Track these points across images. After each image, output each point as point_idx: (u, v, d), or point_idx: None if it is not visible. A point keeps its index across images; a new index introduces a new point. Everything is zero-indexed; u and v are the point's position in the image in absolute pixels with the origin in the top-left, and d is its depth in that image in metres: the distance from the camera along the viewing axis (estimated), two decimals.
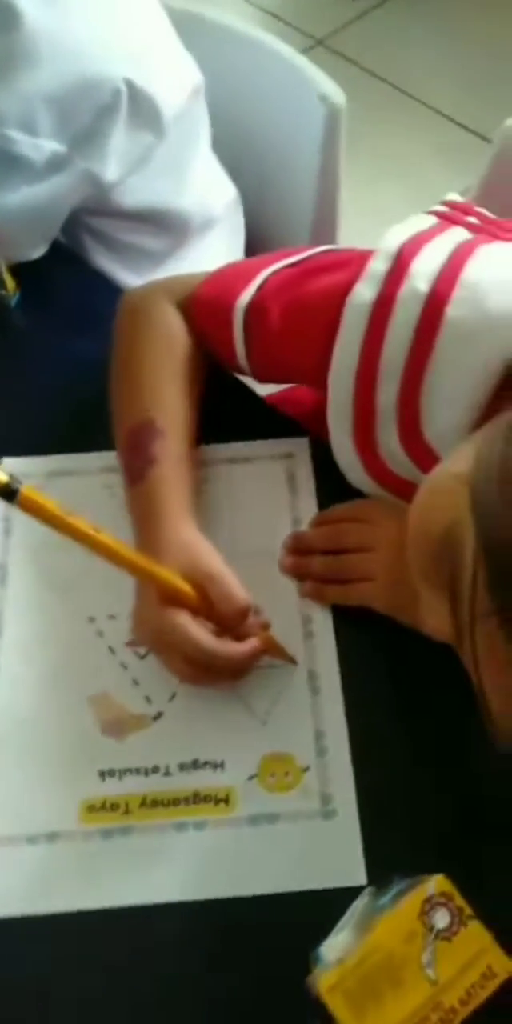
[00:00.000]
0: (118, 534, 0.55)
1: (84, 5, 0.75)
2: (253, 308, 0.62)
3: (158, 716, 0.58)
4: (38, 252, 0.79)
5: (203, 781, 0.55)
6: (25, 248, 0.78)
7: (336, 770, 0.55)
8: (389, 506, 0.61)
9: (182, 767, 0.56)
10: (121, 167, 0.78)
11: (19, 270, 0.78)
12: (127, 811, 0.54)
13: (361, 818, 0.53)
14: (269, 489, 0.68)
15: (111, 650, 0.60)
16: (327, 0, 2.22)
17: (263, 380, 0.68)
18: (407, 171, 1.83)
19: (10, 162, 0.73)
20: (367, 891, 0.46)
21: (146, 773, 0.56)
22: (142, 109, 0.76)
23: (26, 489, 0.49)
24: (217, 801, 0.55)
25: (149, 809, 0.54)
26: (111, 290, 0.81)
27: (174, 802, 0.55)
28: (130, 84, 0.74)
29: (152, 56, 0.79)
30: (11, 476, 0.48)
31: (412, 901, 0.41)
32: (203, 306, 0.66)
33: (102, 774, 0.56)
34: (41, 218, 0.77)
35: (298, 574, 0.63)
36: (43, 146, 0.73)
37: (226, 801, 0.54)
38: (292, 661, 0.58)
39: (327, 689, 0.58)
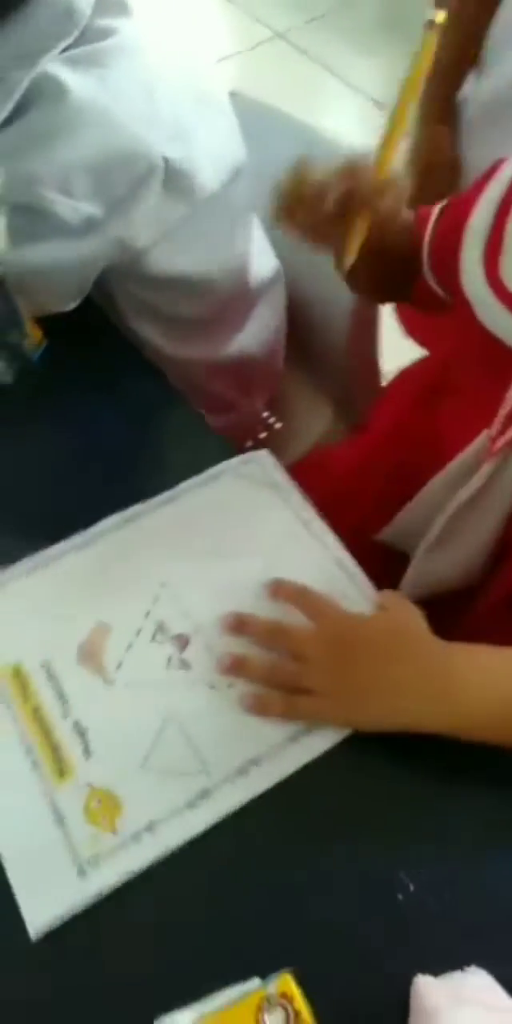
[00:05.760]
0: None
1: (130, 82, 0.77)
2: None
3: None
4: (66, 306, 0.82)
5: None
6: (53, 301, 0.81)
7: None
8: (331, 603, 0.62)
9: None
10: (152, 234, 0.80)
11: (46, 323, 0.80)
12: None
13: None
14: (254, 494, 0.72)
15: None
16: None
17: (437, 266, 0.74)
18: None
19: (44, 218, 0.75)
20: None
21: None
22: (177, 183, 0.79)
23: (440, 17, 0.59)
24: None
25: None
26: (137, 362, 0.83)
27: None
28: (167, 161, 0.77)
29: (194, 135, 0.80)
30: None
31: (251, 999, 0.41)
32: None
33: None
34: (70, 276, 0.80)
35: (233, 670, 0.60)
36: (80, 208, 0.75)
37: None
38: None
39: None
